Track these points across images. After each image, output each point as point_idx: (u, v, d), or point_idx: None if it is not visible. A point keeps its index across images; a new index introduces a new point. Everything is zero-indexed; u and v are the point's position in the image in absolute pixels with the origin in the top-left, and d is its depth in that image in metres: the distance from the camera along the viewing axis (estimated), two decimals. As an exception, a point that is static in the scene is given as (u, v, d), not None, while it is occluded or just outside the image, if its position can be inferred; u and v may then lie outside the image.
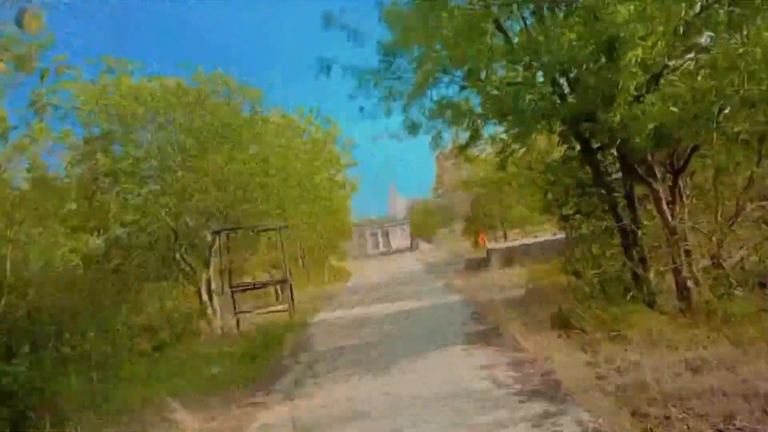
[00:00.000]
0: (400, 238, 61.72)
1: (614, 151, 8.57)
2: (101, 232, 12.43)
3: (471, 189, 26.71)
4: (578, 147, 8.90)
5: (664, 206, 7.83)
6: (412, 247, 56.47)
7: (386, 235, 63.19)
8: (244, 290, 12.98)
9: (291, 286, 13.77)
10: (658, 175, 8.07)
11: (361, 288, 19.90)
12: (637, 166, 7.98)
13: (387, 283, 19.84)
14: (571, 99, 7.72)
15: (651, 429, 4.25)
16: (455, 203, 56.57)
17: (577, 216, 10.15)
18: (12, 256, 8.20)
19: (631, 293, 7.90)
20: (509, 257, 18.84)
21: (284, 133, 16.33)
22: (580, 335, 7.13)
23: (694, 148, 7.77)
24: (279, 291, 17.79)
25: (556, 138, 10.49)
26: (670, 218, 7.82)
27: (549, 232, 25.41)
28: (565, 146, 9.64)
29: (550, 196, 10.99)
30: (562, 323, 7.71)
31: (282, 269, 14.99)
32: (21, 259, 8.68)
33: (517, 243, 19.86)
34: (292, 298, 13.73)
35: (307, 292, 19.09)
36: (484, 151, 17.22)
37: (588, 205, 9.84)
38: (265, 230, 13.02)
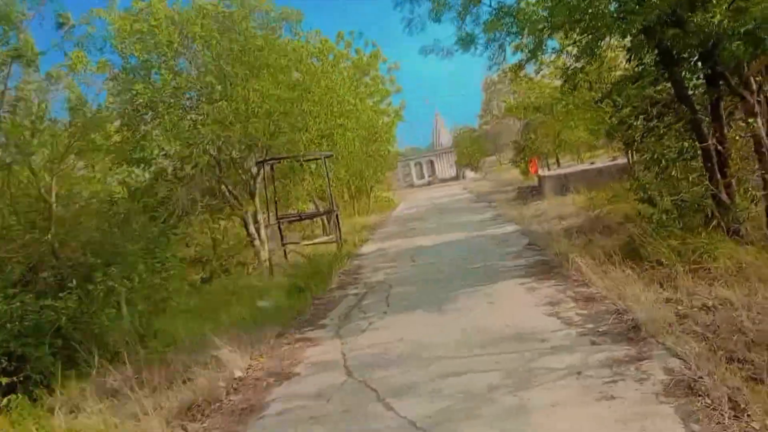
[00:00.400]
0: (446, 168, 60.57)
1: (698, 62, 7.48)
2: (147, 164, 12.33)
3: (524, 114, 25.25)
4: (653, 59, 7.79)
5: (760, 122, 6.80)
6: (458, 177, 55.46)
7: (431, 164, 62.11)
8: (291, 221, 12.76)
9: (337, 216, 13.47)
10: (753, 87, 6.99)
11: (408, 218, 19.50)
12: (729, 76, 6.91)
13: (434, 213, 19.35)
14: (654, -1, 6.60)
15: (755, 377, 3.66)
16: (502, 131, 54.61)
17: (651, 138, 9.13)
18: (58, 190, 8.09)
19: (713, 222, 7.07)
20: (564, 184, 17.87)
21: (325, 58, 15.52)
22: (655, 269, 6.46)
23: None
24: (326, 222, 17.65)
25: (623, 54, 9.32)
26: (765, 135, 6.81)
27: (604, 158, 23.98)
28: (633, 63, 8.54)
29: (614, 119, 9.92)
30: (634, 255, 7.02)
31: (328, 200, 14.68)
32: (67, 192, 8.60)
33: (571, 170, 18.76)
34: (339, 229, 13.47)
35: (353, 222, 18.88)
36: (541, 71, 15.91)
37: (662, 126, 8.81)
38: (309, 160, 12.55)
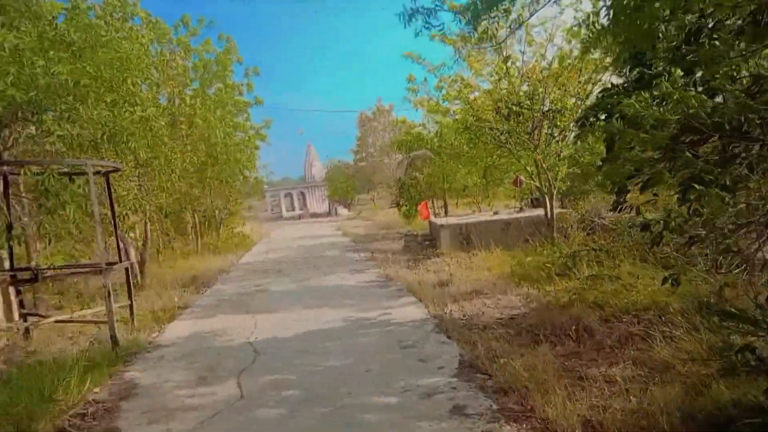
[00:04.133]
0: (318, 202, 56.03)
1: None
2: None
3: (412, 148, 21.66)
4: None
5: None
6: (330, 212, 51.06)
7: (303, 196, 57.19)
8: (32, 280, 6.98)
9: (129, 271, 7.97)
10: None
11: (262, 269, 14.23)
12: None
13: (299, 264, 14.37)
14: None
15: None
16: (377, 168, 51.68)
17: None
18: None
19: None
20: (465, 237, 14.05)
21: (137, 38, 9.99)
22: None
23: None
24: (133, 274, 11.78)
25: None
26: None
27: (497, 206, 21.05)
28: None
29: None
30: None
31: (123, 241, 9.09)
32: None
33: (472, 219, 15.05)
34: (131, 294, 7.95)
35: (179, 272, 13.18)
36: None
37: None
38: (71, 174, 6.94)
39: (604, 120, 4.94)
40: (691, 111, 3.82)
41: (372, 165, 53.06)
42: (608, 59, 6.67)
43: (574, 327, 5.93)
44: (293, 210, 56.55)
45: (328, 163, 53.36)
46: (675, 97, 3.96)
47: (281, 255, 16.86)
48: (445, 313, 7.35)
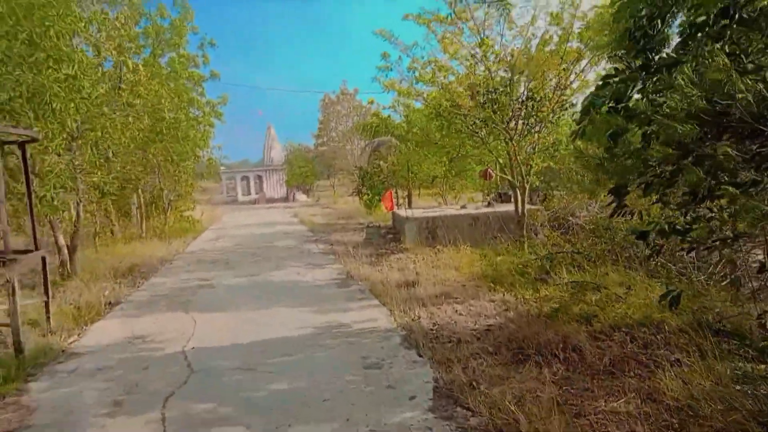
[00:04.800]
0: (275, 186, 54.31)
1: None
2: None
3: (378, 132, 20.70)
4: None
5: None
6: (288, 198, 49.55)
7: (260, 180, 55.32)
8: None
9: (45, 261, 6.77)
10: None
11: (208, 260, 13.06)
12: None
13: (251, 256, 13.26)
14: None
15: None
16: (339, 154, 50.35)
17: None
18: None
19: None
20: (430, 231, 13.28)
21: None
22: None
23: None
24: (61, 262, 10.47)
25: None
26: None
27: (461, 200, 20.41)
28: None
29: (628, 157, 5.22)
30: None
31: (53, 225, 7.84)
32: None
33: (438, 213, 14.28)
34: (48, 291, 6.76)
35: (116, 260, 11.86)
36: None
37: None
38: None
39: (607, 112, 4.17)
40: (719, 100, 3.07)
41: (333, 150, 51.71)
42: (605, 38, 5.88)
43: (560, 345, 5.21)
44: (249, 194, 54.67)
45: (288, 146, 51.55)
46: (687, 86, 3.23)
47: (232, 243, 15.67)
48: (414, 321, 6.52)
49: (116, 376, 5.07)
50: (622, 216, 4.28)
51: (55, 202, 8.51)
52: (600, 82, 4.36)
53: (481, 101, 10.19)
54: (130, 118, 11.57)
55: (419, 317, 6.72)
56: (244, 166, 62.50)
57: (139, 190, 18.94)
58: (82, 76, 7.26)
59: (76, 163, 9.55)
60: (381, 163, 22.39)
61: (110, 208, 17.42)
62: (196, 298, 8.34)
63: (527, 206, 11.86)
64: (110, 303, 8.18)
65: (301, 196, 48.96)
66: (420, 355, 5.24)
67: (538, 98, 10.37)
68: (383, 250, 12.60)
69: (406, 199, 21.74)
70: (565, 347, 5.17)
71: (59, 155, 8.87)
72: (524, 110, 10.42)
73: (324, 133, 53.53)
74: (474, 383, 4.44)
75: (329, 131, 52.93)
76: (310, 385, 4.57)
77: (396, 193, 21.75)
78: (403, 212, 14.48)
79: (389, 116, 20.61)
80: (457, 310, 7.09)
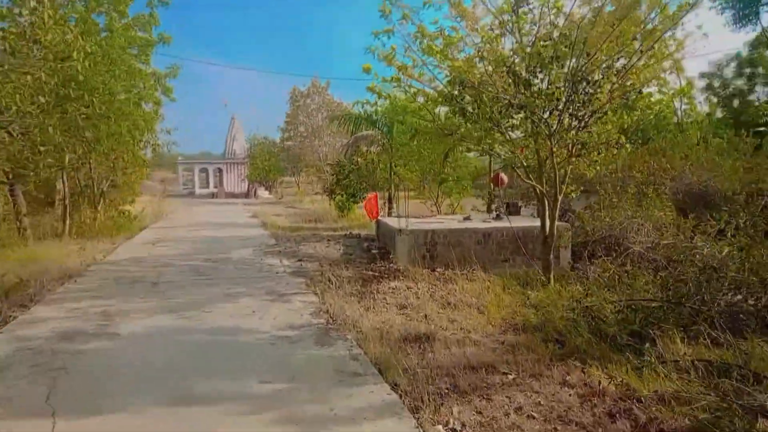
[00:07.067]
0: (236, 180, 50.57)
1: None
2: None
3: (359, 129, 17.67)
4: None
5: None
6: (248, 193, 45.87)
7: (220, 173, 51.44)
8: None
9: None
10: None
11: (130, 278, 9.74)
12: None
13: (193, 266, 10.02)
14: None
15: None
16: (306, 149, 46.93)
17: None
18: None
19: None
20: (429, 249, 10.34)
21: None
22: None
23: None
24: None
25: None
26: None
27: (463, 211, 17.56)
28: None
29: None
30: None
31: None
32: None
33: (440, 225, 11.26)
34: None
35: (12, 264, 8.45)
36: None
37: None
38: None
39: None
40: None
41: (300, 146, 48.33)
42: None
43: None
44: (207, 187, 50.71)
45: (252, 139, 47.78)
46: None
47: (170, 251, 12.31)
48: (459, 440, 3.58)
49: None
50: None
51: None
52: None
53: (524, 79, 7.35)
54: (29, 78, 8.29)
55: (463, 427, 3.79)
56: (205, 158, 58.49)
57: (63, 176, 15.37)
58: None
59: None
60: (359, 159, 19.44)
61: (20, 198, 13.85)
62: (77, 367, 5.03)
63: (556, 223, 9.13)
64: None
65: (263, 193, 45.40)
66: None
67: (594, 81, 7.63)
68: (370, 272, 9.60)
69: (387, 204, 18.77)
70: None
71: None
72: (576, 96, 7.64)
73: (292, 127, 50.05)
74: None
75: (297, 125, 49.48)
76: None
77: (388, 196, 18.76)
78: (394, 222, 11.50)
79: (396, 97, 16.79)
80: (518, 407, 4.19)
